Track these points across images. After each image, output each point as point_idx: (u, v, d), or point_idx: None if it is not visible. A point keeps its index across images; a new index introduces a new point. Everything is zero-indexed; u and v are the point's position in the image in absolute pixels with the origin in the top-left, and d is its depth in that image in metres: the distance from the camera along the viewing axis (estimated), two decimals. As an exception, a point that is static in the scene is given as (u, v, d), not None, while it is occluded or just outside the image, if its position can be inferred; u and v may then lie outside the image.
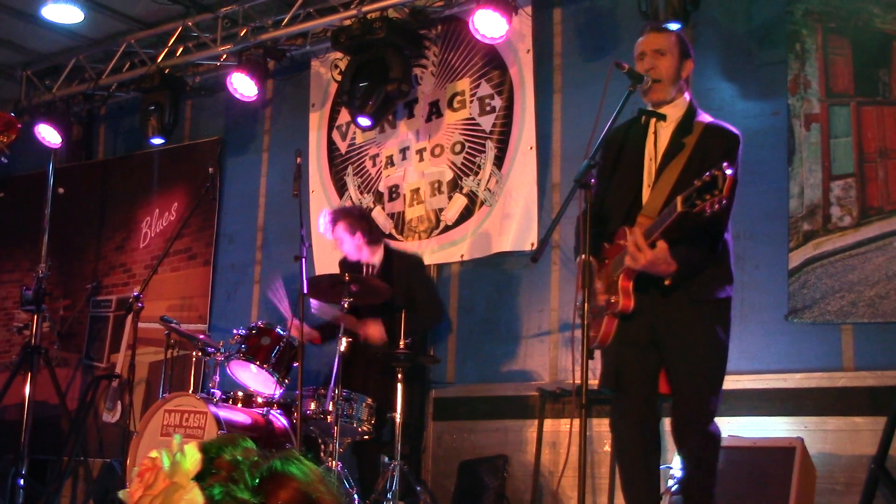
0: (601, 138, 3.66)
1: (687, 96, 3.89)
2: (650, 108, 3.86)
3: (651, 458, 3.77)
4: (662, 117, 3.79)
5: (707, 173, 3.25)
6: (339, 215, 5.90)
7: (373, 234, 5.82)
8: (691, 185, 3.30)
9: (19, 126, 4.85)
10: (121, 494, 1.29)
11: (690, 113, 3.82)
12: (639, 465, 3.76)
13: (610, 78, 3.71)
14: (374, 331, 5.53)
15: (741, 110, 5.47)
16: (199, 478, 1.27)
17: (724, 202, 3.24)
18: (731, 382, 4.88)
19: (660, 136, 3.78)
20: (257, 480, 1.28)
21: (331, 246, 6.87)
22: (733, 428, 4.89)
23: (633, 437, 3.76)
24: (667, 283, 3.57)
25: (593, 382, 4.02)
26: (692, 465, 3.72)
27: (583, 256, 3.52)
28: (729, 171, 3.19)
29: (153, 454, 1.29)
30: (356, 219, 5.87)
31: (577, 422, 3.43)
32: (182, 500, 1.24)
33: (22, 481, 6.18)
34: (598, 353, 3.81)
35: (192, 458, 1.27)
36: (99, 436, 7.56)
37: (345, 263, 6.02)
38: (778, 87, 5.38)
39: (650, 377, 3.75)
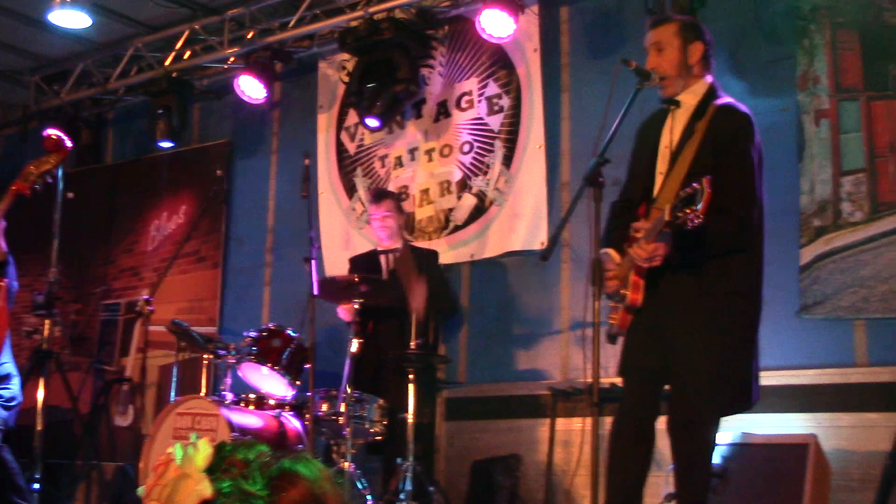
0: (613, 134, 3.67)
1: (708, 79, 3.84)
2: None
3: (640, 449, 3.67)
4: (677, 104, 3.78)
5: (690, 186, 3.27)
6: (388, 194, 6.17)
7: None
8: (699, 174, 3.31)
9: (69, 147, 4.80)
10: (139, 490, 1.35)
11: (709, 97, 3.76)
12: (624, 456, 3.66)
13: (618, 76, 3.71)
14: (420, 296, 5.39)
15: (750, 107, 5.33)
16: (210, 471, 1.31)
17: (700, 218, 3.23)
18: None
19: (676, 123, 3.76)
20: (267, 478, 1.32)
21: (342, 245, 6.89)
22: (746, 425, 4.87)
23: (626, 427, 3.68)
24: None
25: (605, 381, 4.02)
26: (681, 471, 3.61)
27: (601, 250, 3.54)
28: (709, 189, 3.20)
29: (170, 449, 1.35)
30: (400, 203, 6.21)
31: (589, 420, 3.43)
32: (191, 491, 1.28)
33: (36, 485, 6.19)
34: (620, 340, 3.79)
35: (203, 451, 1.33)
36: (111, 439, 7.56)
37: (356, 262, 6.05)
38: (787, 83, 5.36)
39: (654, 370, 3.67)
